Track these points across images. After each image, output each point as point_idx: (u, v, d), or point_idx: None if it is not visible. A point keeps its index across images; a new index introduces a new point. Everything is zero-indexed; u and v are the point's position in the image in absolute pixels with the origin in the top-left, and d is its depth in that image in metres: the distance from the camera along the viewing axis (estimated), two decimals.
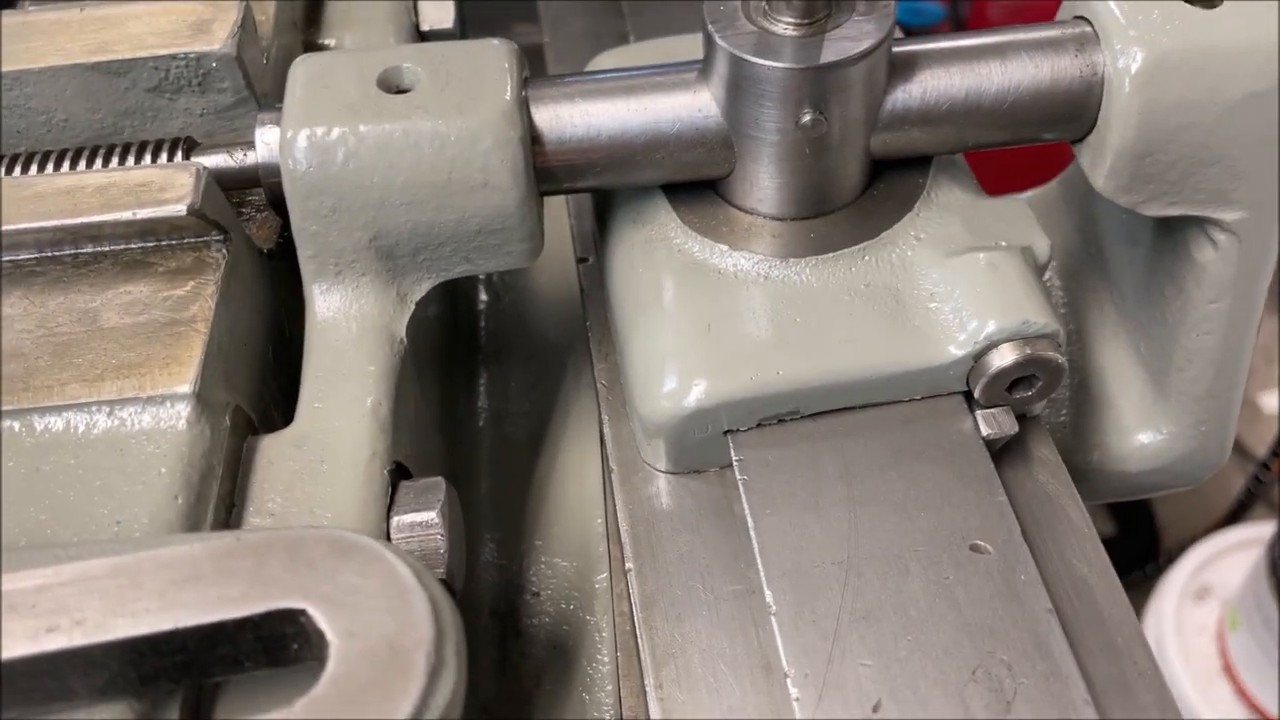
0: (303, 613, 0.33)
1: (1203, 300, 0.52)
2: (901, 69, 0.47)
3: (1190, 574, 1.85)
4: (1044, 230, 0.60)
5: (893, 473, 0.46)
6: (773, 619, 0.42)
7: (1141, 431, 0.58)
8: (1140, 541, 2.25)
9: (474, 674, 0.51)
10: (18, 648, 0.32)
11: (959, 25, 1.93)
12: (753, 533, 0.45)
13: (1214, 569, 1.86)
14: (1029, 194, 0.64)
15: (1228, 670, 1.73)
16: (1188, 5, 0.46)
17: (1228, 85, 0.46)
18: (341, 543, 0.34)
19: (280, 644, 0.34)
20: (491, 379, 0.65)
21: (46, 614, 0.32)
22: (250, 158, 0.48)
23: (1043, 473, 0.49)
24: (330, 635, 0.32)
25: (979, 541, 0.44)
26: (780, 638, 0.42)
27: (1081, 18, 0.48)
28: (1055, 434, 0.59)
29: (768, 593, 0.43)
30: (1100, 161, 0.48)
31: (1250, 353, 0.54)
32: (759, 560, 0.44)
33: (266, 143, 0.47)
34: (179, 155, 0.49)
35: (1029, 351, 0.46)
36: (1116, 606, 0.44)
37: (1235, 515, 2.06)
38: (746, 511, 0.45)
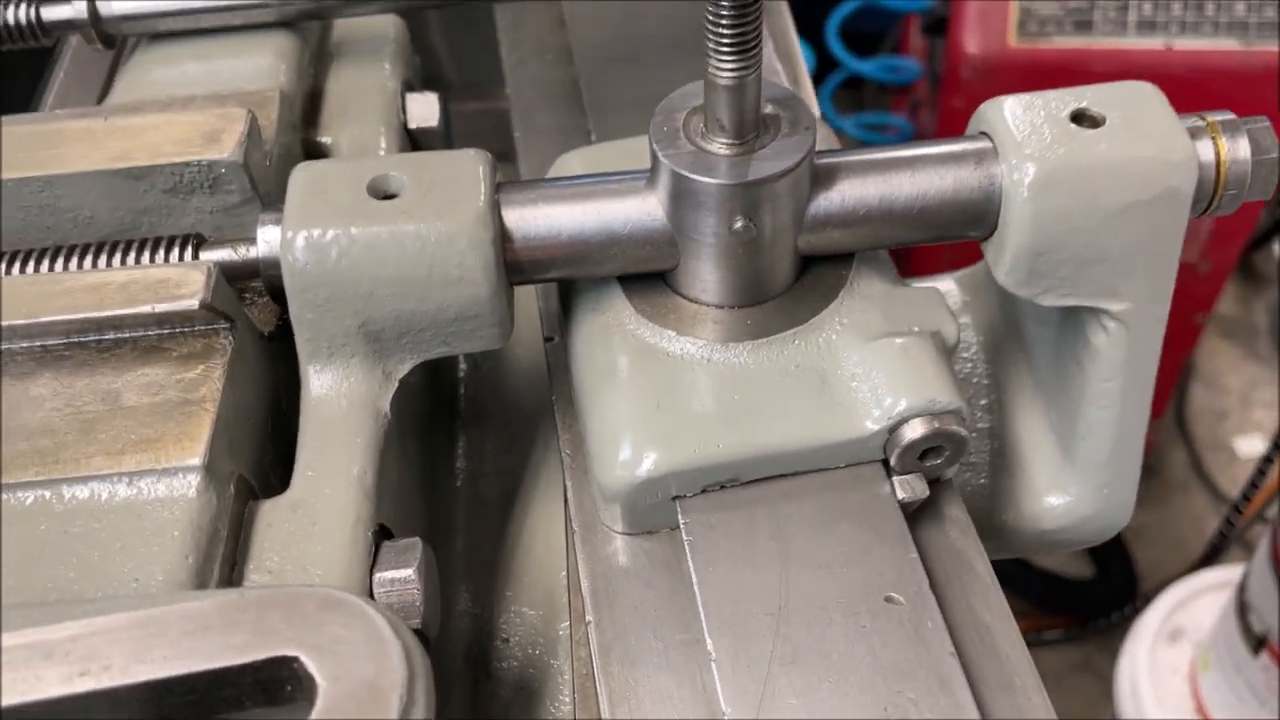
0: (296, 660, 0.37)
1: (1098, 378, 0.57)
2: (824, 179, 0.53)
3: (1164, 616, 1.86)
4: (970, 307, 0.66)
5: (820, 533, 0.50)
6: (713, 665, 0.46)
7: (1051, 494, 0.63)
8: (1118, 584, 2.28)
9: (447, 713, 0.56)
10: (54, 689, 0.37)
11: (935, 82, 2.00)
12: (696, 587, 0.49)
13: (1187, 611, 1.87)
14: (961, 272, 0.70)
15: (1200, 712, 1.74)
16: (1075, 126, 0.52)
17: (1109, 196, 0.51)
18: (330, 599, 0.39)
19: (277, 686, 0.38)
20: (470, 441, 0.69)
21: (79, 660, 0.37)
22: (252, 252, 0.53)
23: (953, 530, 0.54)
24: (319, 679, 0.37)
25: (893, 594, 0.48)
26: (719, 681, 0.45)
27: (985, 133, 0.54)
28: (975, 495, 0.64)
29: (708, 641, 0.47)
30: (1002, 258, 0.53)
31: (1145, 425, 0.59)
32: (701, 612, 0.48)
33: (267, 240, 0.52)
34: (189, 250, 0.54)
35: (936, 425, 0.51)
36: (1014, 649, 0.49)
37: (1210, 558, 2.10)
38: (691, 568, 0.49)
